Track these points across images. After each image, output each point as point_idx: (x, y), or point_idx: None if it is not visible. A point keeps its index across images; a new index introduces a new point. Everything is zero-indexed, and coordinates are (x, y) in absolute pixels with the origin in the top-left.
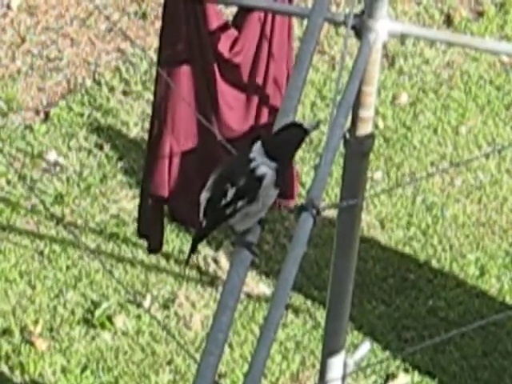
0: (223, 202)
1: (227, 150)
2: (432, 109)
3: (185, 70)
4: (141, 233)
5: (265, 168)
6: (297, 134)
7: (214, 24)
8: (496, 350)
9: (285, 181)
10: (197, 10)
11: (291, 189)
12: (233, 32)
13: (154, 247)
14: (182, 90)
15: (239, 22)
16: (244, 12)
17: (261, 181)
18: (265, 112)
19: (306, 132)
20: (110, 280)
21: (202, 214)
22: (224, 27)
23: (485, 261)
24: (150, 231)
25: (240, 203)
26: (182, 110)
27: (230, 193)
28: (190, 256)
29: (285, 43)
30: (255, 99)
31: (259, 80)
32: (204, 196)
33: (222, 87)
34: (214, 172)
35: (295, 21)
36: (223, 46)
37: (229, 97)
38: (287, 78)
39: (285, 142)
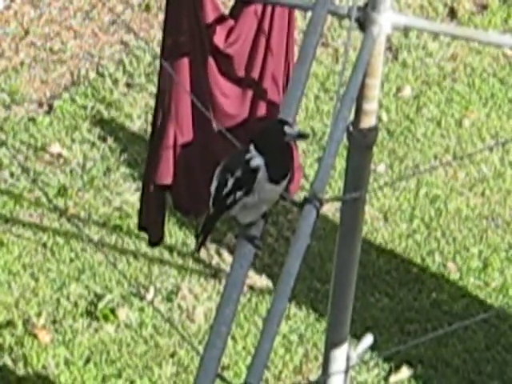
0: (224, 191)
1: (226, 139)
2: (435, 102)
3: (185, 60)
4: (141, 225)
5: (259, 160)
6: (276, 132)
7: (211, 15)
8: (499, 343)
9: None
10: (196, 1)
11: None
12: (229, 22)
13: (154, 240)
14: (183, 81)
15: (235, 13)
16: (240, 4)
17: (255, 173)
18: (261, 104)
19: (284, 135)
20: (113, 272)
21: (211, 203)
22: (221, 18)
23: (488, 254)
24: (149, 224)
25: (238, 194)
26: (184, 100)
27: (230, 183)
28: (200, 246)
29: (284, 38)
30: (250, 91)
31: (255, 73)
32: (213, 185)
33: (217, 77)
34: (222, 162)
35: (298, 14)
36: (219, 37)
37: (224, 87)
38: (287, 73)
39: (267, 137)
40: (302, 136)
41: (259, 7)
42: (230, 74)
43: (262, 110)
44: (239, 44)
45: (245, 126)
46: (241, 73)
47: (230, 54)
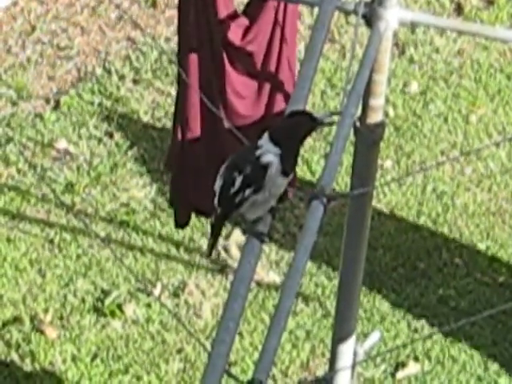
0: (232, 190)
1: (237, 137)
2: (442, 97)
3: (194, 57)
4: (171, 202)
5: (270, 156)
6: (304, 121)
7: (223, 12)
8: (506, 339)
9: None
10: None
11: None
12: (244, 20)
13: (181, 222)
14: (192, 79)
15: (252, 10)
16: (257, 1)
17: (266, 169)
18: (279, 99)
19: (315, 121)
20: (120, 268)
21: (216, 203)
22: (234, 16)
23: (495, 250)
24: (177, 203)
25: (247, 192)
26: (193, 97)
27: (238, 181)
28: (211, 248)
29: (296, 24)
30: (267, 86)
31: (272, 67)
32: (218, 184)
33: (231, 75)
34: (227, 160)
35: (306, 9)
36: (234, 35)
37: (238, 85)
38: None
39: (290, 127)
40: (334, 114)
41: (276, 1)
42: (247, 71)
43: (279, 104)
44: (259, 40)
45: (259, 125)
46: (258, 68)
47: (250, 51)
